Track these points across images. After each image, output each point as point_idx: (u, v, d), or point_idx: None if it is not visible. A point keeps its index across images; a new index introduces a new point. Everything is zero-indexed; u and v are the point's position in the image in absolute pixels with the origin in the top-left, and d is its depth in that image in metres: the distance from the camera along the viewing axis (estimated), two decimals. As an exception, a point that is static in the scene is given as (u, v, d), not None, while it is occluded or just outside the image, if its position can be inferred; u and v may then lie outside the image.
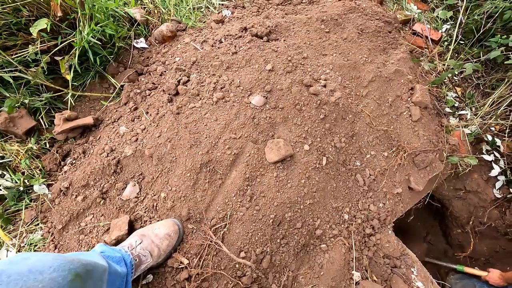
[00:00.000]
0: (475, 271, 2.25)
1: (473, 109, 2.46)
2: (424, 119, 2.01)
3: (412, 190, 1.99)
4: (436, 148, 2.08)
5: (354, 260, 1.50)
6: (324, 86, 1.68)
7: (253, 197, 1.38)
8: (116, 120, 1.72)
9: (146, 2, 2.28)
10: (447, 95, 2.49)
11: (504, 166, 2.37)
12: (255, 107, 1.51)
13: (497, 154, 2.40)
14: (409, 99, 1.98)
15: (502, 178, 2.37)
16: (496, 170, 2.33)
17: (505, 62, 2.22)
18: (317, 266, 1.43)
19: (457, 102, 2.49)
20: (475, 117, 2.38)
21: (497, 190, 2.40)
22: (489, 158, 2.37)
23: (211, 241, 1.28)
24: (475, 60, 2.55)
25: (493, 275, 2.14)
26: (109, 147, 1.55)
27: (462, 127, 2.35)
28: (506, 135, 2.47)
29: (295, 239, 1.40)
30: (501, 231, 2.46)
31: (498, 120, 2.43)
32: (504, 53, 2.24)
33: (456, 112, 2.47)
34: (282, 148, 1.41)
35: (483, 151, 2.41)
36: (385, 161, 1.87)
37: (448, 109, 2.47)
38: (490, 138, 2.39)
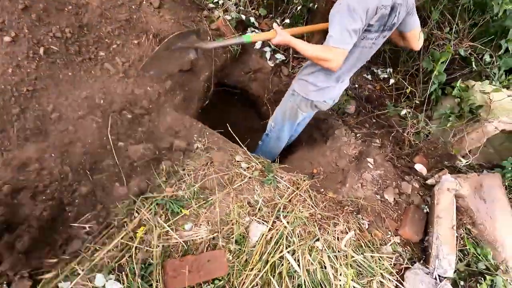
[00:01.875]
0: (263, 34, 1.83)
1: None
2: (167, 5, 2.14)
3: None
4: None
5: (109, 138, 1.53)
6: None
7: None
8: None
9: None
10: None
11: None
12: None
13: (257, 31, 2.84)
14: (143, -13, 2.05)
15: (267, 49, 2.85)
16: (259, 43, 2.78)
17: None
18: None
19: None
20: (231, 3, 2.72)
21: (269, 61, 2.89)
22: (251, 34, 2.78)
23: None
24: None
25: (280, 33, 1.67)
26: None
27: (222, 15, 2.65)
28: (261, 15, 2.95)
29: (19, 124, 1.29)
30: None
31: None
32: None
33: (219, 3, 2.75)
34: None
35: (248, 32, 2.80)
36: (138, 48, 1.93)
37: (211, 5, 2.72)
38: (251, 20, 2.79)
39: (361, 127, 2.61)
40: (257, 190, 1.71)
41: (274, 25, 1.78)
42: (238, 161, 1.84)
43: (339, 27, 1.41)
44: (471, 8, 2.21)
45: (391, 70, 2.94)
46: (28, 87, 1.35)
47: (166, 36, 2.04)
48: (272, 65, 2.90)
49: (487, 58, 2.25)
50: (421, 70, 2.52)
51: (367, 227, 1.78)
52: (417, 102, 2.55)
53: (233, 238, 1.44)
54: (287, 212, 1.64)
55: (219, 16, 2.62)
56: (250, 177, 1.75)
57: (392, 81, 2.82)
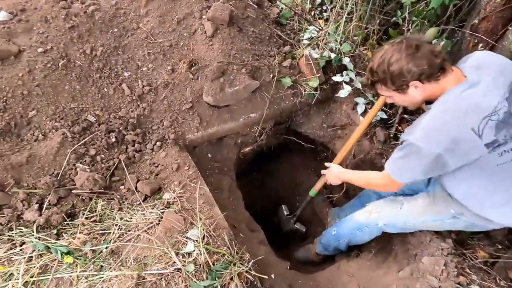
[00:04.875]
0: (322, 179, 1.84)
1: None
2: (224, 35, 1.89)
3: (209, 105, 1.82)
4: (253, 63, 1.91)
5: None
6: (83, 3, 1.74)
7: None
8: None
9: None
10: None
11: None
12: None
13: (351, 75, 2.08)
14: (203, 16, 1.91)
15: (361, 100, 2.03)
16: (346, 90, 2.01)
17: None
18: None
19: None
20: (319, 36, 2.16)
21: (361, 115, 2.05)
22: (339, 78, 2.07)
23: None
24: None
25: (331, 171, 1.68)
26: None
27: (304, 48, 2.15)
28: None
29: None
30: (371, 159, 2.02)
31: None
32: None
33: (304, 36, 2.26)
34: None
35: (335, 74, 2.12)
36: (169, 75, 1.78)
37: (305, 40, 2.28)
38: (346, 60, 2.11)
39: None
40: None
41: (326, 164, 1.72)
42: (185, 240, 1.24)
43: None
44: None
45: None
46: (23, 91, 1.45)
47: (203, 65, 1.80)
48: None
49: None
50: None
51: None
52: None
53: None
54: None
55: (303, 55, 2.11)
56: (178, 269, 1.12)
57: None
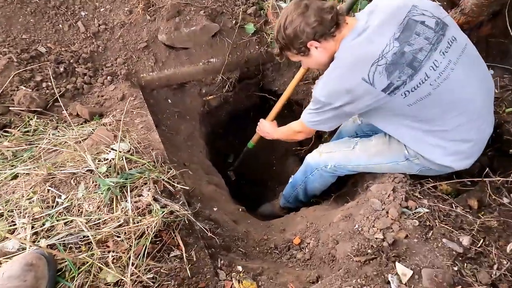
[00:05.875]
0: (255, 135, 1.85)
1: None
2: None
3: (165, 45, 1.80)
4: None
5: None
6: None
7: None
8: None
9: None
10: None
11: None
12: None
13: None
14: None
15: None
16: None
17: None
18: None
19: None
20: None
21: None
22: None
23: None
24: None
25: (264, 127, 1.70)
26: None
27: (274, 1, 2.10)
28: None
29: None
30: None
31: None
32: None
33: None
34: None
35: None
36: (126, 16, 1.79)
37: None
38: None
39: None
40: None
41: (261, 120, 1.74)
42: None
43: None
44: None
45: None
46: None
47: (161, 6, 1.80)
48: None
49: None
50: None
51: None
52: None
53: None
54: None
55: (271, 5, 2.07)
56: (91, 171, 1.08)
57: None
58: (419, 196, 1.20)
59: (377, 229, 1.08)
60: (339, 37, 1.10)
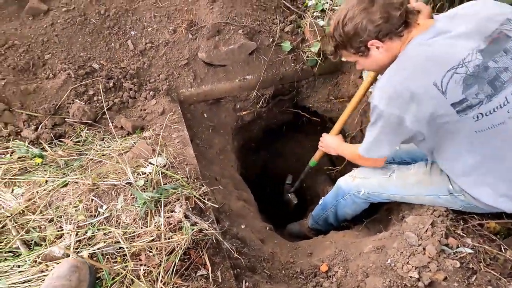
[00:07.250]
0: (318, 152, 1.77)
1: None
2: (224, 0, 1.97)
3: (204, 63, 1.88)
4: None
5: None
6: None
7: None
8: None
9: None
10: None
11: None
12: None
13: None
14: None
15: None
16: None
17: None
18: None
19: None
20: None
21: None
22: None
23: None
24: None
25: (326, 143, 1.60)
26: None
27: (310, 16, 2.11)
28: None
29: (16, 60, 1.63)
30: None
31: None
32: None
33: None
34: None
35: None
36: (169, 35, 1.91)
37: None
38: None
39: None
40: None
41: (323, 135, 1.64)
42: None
43: None
44: None
45: None
46: (44, 38, 1.71)
47: (202, 26, 1.89)
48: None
49: None
50: None
51: None
52: None
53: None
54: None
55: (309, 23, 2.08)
56: (130, 184, 1.15)
57: None
58: (461, 233, 1.11)
59: (412, 266, 1.01)
60: (406, 38, 0.98)
